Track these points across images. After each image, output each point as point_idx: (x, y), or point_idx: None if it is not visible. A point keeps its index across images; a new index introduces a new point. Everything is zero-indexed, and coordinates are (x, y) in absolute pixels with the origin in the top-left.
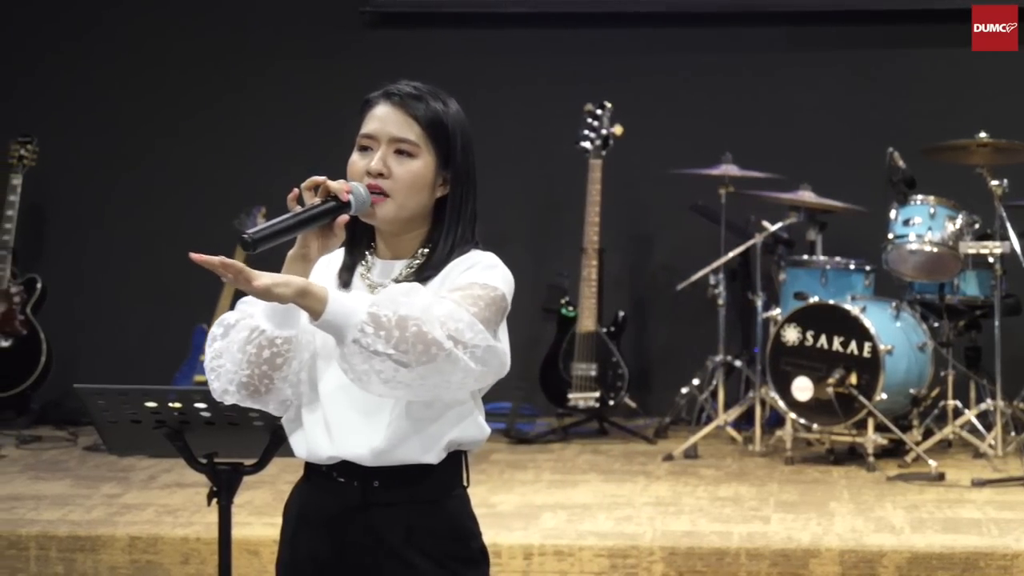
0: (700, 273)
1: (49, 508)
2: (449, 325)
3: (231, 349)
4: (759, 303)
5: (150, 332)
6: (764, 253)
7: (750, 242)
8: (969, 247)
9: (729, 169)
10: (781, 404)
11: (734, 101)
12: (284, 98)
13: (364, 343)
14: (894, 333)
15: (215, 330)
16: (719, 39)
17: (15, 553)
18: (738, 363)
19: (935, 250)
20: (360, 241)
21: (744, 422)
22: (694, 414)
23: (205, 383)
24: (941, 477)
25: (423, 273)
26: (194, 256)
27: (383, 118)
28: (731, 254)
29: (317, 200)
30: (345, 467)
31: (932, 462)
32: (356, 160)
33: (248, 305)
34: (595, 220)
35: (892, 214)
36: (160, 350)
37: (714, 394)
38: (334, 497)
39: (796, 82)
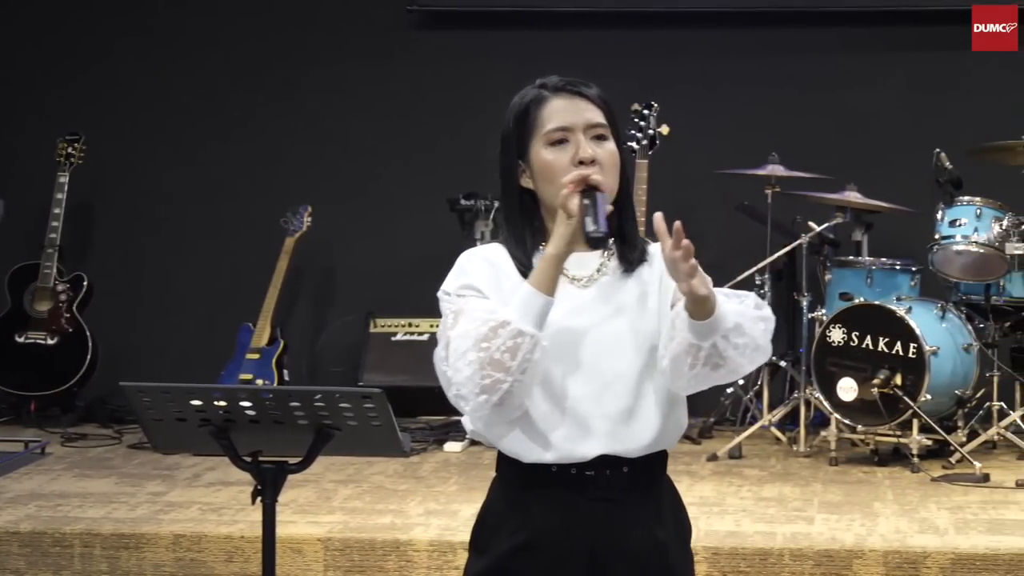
0: (746, 273)
1: (94, 506)
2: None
3: (494, 360)
4: (804, 303)
5: (196, 330)
6: (810, 253)
7: (796, 242)
8: (1015, 248)
9: (775, 169)
10: (826, 404)
11: (781, 102)
12: (330, 97)
13: (721, 347)
14: (940, 334)
15: (462, 344)
16: (767, 40)
17: (60, 551)
18: (783, 363)
19: (981, 251)
20: (534, 232)
21: (789, 422)
22: (739, 414)
23: (251, 381)
24: (986, 478)
25: (630, 259)
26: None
27: (571, 108)
28: (777, 254)
29: (576, 199)
30: (602, 460)
31: (977, 463)
32: (555, 156)
33: (487, 314)
34: (641, 220)
35: (938, 215)
36: (206, 348)
37: (759, 394)
38: (581, 493)
39: (843, 83)
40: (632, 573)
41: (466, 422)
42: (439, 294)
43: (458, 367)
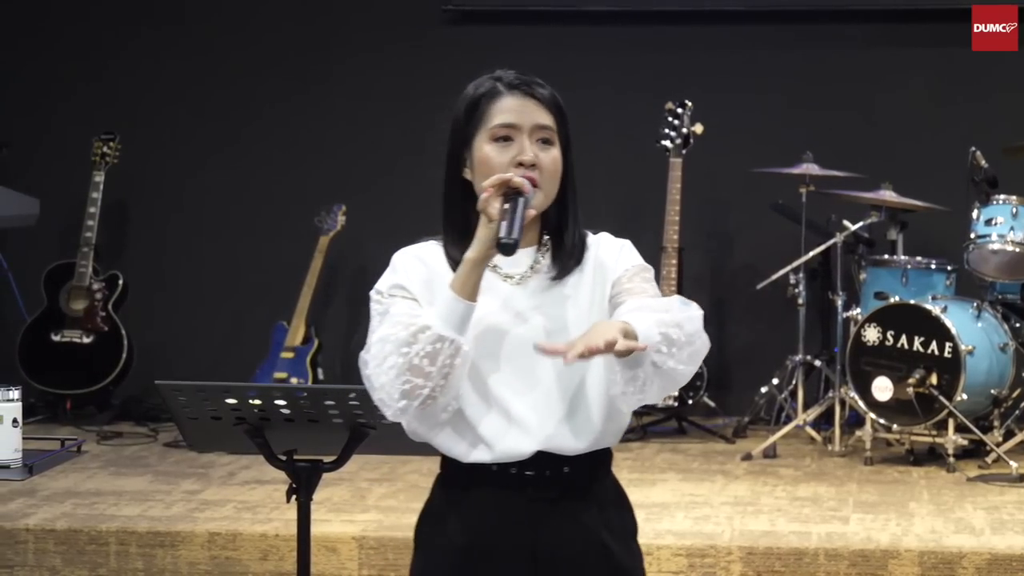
0: (780, 272)
1: (129, 504)
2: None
3: (413, 365)
4: (839, 302)
5: (231, 329)
6: (845, 252)
7: (831, 241)
8: None
9: (810, 168)
10: (861, 404)
11: (815, 100)
12: (364, 95)
13: (659, 362)
14: (975, 333)
15: (383, 348)
16: (801, 37)
17: (95, 548)
18: (818, 363)
19: (1017, 250)
20: (468, 230)
21: (823, 422)
22: (773, 414)
23: (285, 380)
24: (1022, 478)
25: (564, 263)
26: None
27: (520, 108)
28: (811, 253)
29: (497, 203)
30: (538, 461)
31: (1013, 463)
32: (496, 152)
33: (409, 318)
34: (675, 219)
35: (974, 214)
36: (241, 347)
37: (793, 394)
38: (521, 493)
39: (878, 81)
40: (576, 575)
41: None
42: (371, 293)
43: (379, 372)
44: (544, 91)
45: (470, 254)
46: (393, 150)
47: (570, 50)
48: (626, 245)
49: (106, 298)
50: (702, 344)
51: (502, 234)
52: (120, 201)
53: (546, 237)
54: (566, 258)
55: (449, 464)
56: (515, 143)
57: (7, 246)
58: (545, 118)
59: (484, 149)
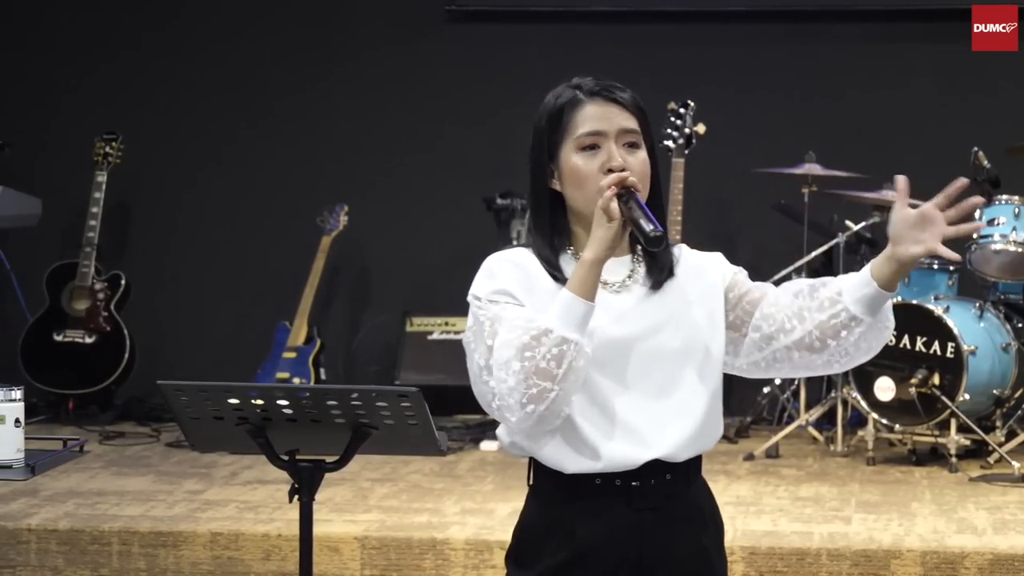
0: (783, 272)
1: (131, 504)
2: None
3: (540, 369)
4: None
5: (233, 329)
6: (847, 253)
7: (833, 241)
8: None
9: (812, 168)
10: (863, 404)
11: (817, 100)
12: (366, 95)
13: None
14: (977, 333)
15: (505, 353)
16: (803, 37)
17: (98, 548)
18: None
19: (1020, 250)
20: (559, 236)
21: (826, 422)
22: (775, 414)
23: (288, 380)
24: None
25: (660, 271)
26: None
27: (604, 114)
28: (814, 253)
29: (615, 204)
30: (647, 468)
31: (1015, 463)
32: (585, 162)
33: (527, 322)
34: (677, 219)
35: (976, 214)
36: (243, 347)
37: (796, 394)
38: (624, 502)
39: (880, 81)
40: None
41: (502, 434)
42: (469, 299)
43: (501, 377)
44: (625, 95)
45: (588, 255)
46: (395, 150)
47: (572, 50)
48: (718, 256)
49: (108, 298)
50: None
51: (648, 228)
52: (122, 201)
53: (639, 246)
54: (662, 266)
55: (547, 477)
56: (602, 150)
57: (9, 246)
58: (629, 121)
59: (572, 159)
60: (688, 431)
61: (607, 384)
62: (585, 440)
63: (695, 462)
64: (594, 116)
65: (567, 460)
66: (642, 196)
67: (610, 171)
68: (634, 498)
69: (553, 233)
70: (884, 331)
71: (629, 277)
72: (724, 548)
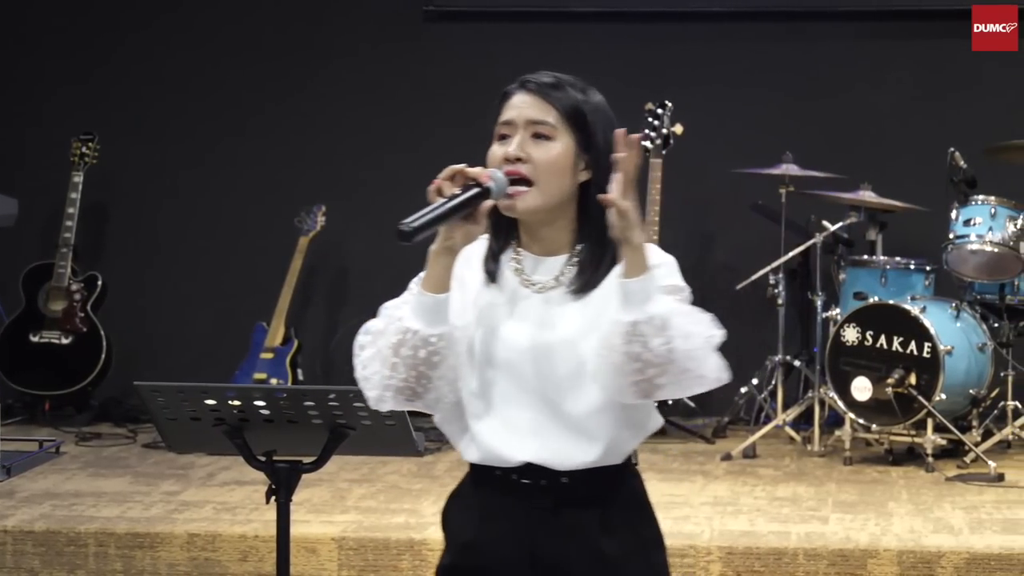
0: (760, 273)
1: (108, 505)
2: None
3: (382, 355)
4: (819, 303)
5: (210, 330)
6: (824, 253)
7: (810, 242)
8: None
9: (789, 168)
10: (840, 404)
11: (794, 100)
12: (344, 96)
13: (656, 344)
14: (954, 333)
15: (362, 339)
16: (780, 38)
17: (74, 550)
18: (797, 363)
19: (996, 250)
20: (501, 232)
21: (803, 422)
22: (753, 414)
23: (265, 380)
24: (1000, 478)
25: (587, 276)
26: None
27: (519, 105)
28: (791, 254)
29: (457, 189)
30: (532, 469)
31: (991, 463)
32: (495, 149)
33: (393, 310)
34: (655, 219)
35: (953, 214)
36: (220, 348)
37: (773, 394)
38: (519, 499)
39: (858, 82)
40: None
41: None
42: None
43: (357, 356)
44: (551, 87)
45: (431, 247)
46: (373, 150)
47: (550, 50)
48: (666, 263)
49: (85, 299)
50: (702, 347)
51: (405, 220)
52: (99, 202)
53: (579, 247)
54: (591, 271)
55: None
56: (511, 139)
57: None
58: (539, 113)
59: (491, 148)
60: (571, 440)
61: (496, 380)
62: (470, 430)
63: (602, 472)
64: (509, 107)
65: (460, 446)
66: (547, 191)
67: (506, 159)
68: (524, 496)
69: (498, 225)
70: (643, 364)
71: (556, 279)
72: (653, 559)
